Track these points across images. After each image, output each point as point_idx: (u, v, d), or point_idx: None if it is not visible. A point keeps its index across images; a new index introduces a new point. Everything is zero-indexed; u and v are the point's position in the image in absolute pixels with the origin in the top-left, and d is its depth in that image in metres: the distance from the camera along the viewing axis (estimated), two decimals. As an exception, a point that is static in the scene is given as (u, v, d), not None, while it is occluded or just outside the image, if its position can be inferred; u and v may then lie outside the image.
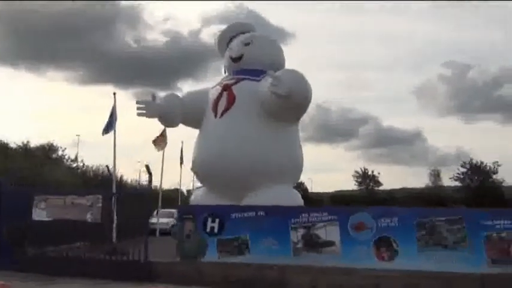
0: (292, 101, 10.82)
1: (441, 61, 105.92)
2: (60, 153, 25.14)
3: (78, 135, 35.42)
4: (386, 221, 7.27)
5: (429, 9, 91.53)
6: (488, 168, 42.03)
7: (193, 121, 13.47)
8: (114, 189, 12.53)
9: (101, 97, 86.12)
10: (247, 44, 12.92)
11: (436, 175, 43.80)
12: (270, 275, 7.42)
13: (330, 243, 7.44)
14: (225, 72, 14.19)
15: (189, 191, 26.35)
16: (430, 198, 39.42)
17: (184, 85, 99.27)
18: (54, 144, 25.05)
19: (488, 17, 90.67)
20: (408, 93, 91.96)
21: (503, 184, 41.23)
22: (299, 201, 11.99)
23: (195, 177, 13.42)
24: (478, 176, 41.68)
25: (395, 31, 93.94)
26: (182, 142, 29.84)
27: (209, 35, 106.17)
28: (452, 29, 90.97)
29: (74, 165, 23.99)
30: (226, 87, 12.45)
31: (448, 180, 44.02)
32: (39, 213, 8.43)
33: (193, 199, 13.11)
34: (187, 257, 7.99)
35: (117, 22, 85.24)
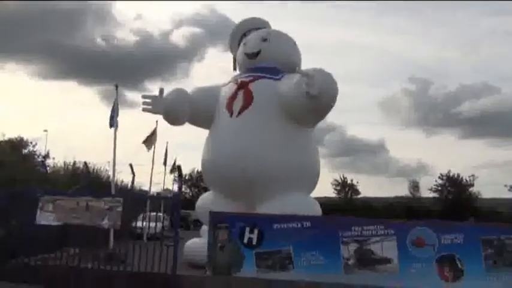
0: (321, 102, 10.05)
1: (406, 76, 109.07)
2: (30, 148, 23.24)
3: (46, 131, 33.04)
4: (450, 238, 6.58)
5: (397, 27, 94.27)
6: (464, 181, 42.71)
7: (202, 119, 12.47)
8: (113, 191, 11.36)
9: (63, 93, 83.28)
10: (264, 40, 12.09)
11: (414, 186, 44.14)
12: (319, 295, 6.58)
13: (387, 261, 6.67)
14: (234, 69, 13.29)
15: (159, 193, 25.08)
16: (406, 209, 39.63)
17: (152, 85, 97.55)
18: (24, 138, 23.08)
19: (451, 37, 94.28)
20: (373, 105, 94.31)
21: (478, 197, 41.98)
22: (318, 210, 11.22)
23: (204, 179, 12.38)
24: (454, 189, 42.25)
25: (363, 44, 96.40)
26: (167, 143, 28.72)
27: (180, 37, 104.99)
28: (417, 47, 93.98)
29: (47, 161, 22.13)
30: (242, 85, 11.55)
31: (426, 191, 44.46)
32: (46, 217, 7.26)
33: (201, 204, 12.08)
34: (220, 271, 7.02)
35: (85, 18, 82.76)
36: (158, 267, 6.96)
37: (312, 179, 11.71)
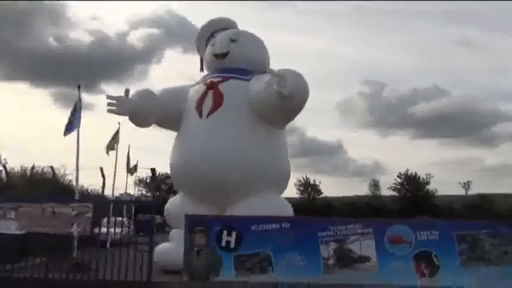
0: (292, 102, 10.06)
1: (361, 79, 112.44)
2: None
3: None
4: (426, 234, 6.69)
5: (353, 33, 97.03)
6: (421, 179, 44.26)
7: (170, 121, 12.20)
8: (77, 196, 10.88)
9: (13, 95, 79.70)
10: (233, 41, 11.96)
11: (375, 185, 45.29)
12: (300, 296, 6.50)
13: (366, 259, 6.69)
14: (201, 70, 13.07)
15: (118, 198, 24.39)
16: (367, 208, 40.62)
17: (108, 87, 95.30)
18: None
19: (404, 42, 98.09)
20: (331, 108, 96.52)
21: (435, 194, 43.62)
22: (290, 210, 11.21)
23: (173, 182, 12.08)
24: (412, 187, 43.70)
25: (318, 49, 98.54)
26: (129, 146, 27.92)
27: (137, 38, 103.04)
28: (371, 51, 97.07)
29: None
30: (211, 86, 11.37)
31: (386, 190, 45.73)
32: (7, 225, 6.77)
33: (170, 208, 11.76)
34: (197, 277, 6.81)
35: (37, 18, 79.63)
36: (132, 274, 6.65)
37: (283, 179, 11.70)
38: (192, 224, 6.99)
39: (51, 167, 12.04)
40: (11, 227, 6.75)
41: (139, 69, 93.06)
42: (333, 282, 6.57)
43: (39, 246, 7.37)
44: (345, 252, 6.72)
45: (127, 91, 11.22)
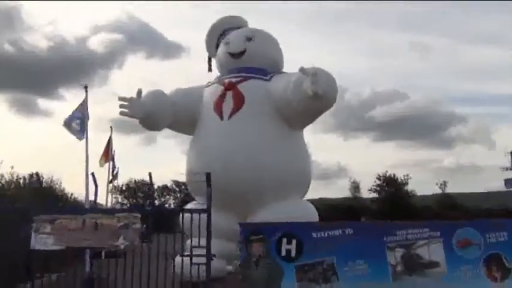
0: (323, 102, 9.71)
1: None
2: None
3: None
4: (494, 236, 6.44)
5: (309, 34, 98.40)
6: (399, 180, 44.95)
7: (184, 124, 11.64)
8: (86, 206, 10.09)
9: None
10: (249, 39, 11.55)
11: (355, 187, 45.64)
12: (370, 307, 6.10)
13: (435, 264, 6.36)
14: (209, 70, 12.55)
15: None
16: (348, 209, 40.84)
17: (67, 93, 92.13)
18: None
19: (366, 46, 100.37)
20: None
21: (414, 194, 44.37)
22: (315, 214, 10.84)
23: (190, 188, 11.45)
24: (391, 188, 44.29)
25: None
26: (114, 151, 26.76)
27: (98, 43, 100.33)
28: (332, 54, 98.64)
29: None
30: (230, 86, 10.90)
31: (367, 192, 46.15)
32: (43, 241, 6.01)
33: (186, 216, 11.12)
34: (256, 290, 6.29)
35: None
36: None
37: (306, 182, 11.36)
38: (248, 232, 6.47)
39: (37, 174, 10.82)
40: (47, 243, 5.99)
41: (100, 74, 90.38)
42: (404, 290, 6.21)
43: (46, 262, 6.68)
44: (413, 257, 6.37)
45: (139, 92, 10.57)
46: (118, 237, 6.04)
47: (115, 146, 16.75)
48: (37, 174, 10.88)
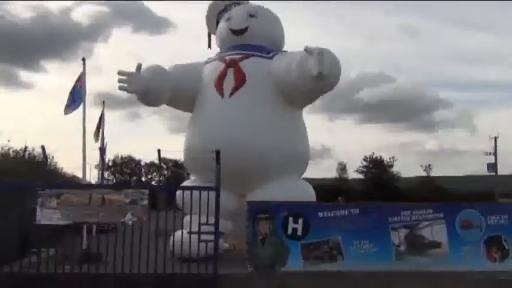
0: (325, 82, 9.62)
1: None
2: None
3: None
4: (495, 218, 6.61)
5: (298, 14, 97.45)
6: (385, 162, 45.55)
7: (183, 100, 11.41)
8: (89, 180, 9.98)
9: None
10: (252, 16, 11.30)
11: (342, 168, 46.10)
12: (374, 285, 6.24)
13: (437, 245, 6.52)
14: (209, 47, 12.34)
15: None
16: (335, 190, 41.32)
17: (49, 65, 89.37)
18: None
19: (351, 25, 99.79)
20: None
21: (399, 176, 45.08)
22: (312, 194, 10.89)
23: (188, 166, 11.35)
24: (377, 170, 44.87)
25: None
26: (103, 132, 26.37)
27: (82, 15, 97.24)
28: (320, 35, 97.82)
29: None
30: (232, 63, 10.72)
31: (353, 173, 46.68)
32: (49, 216, 5.94)
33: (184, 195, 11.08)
34: (262, 268, 6.36)
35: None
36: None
37: (305, 161, 11.33)
38: (255, 210, 6.51)
39: (42, 147, 10.27)
40: (52, 217, 5.92)
41: (84, 47, 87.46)
42: (405, 269, 6.36)
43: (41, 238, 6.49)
44: (416, 238, 6.52)
45: (139, 66, 10.32)
46: (126, 213, 6.00)
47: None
48: (42, 147, 10.31)
